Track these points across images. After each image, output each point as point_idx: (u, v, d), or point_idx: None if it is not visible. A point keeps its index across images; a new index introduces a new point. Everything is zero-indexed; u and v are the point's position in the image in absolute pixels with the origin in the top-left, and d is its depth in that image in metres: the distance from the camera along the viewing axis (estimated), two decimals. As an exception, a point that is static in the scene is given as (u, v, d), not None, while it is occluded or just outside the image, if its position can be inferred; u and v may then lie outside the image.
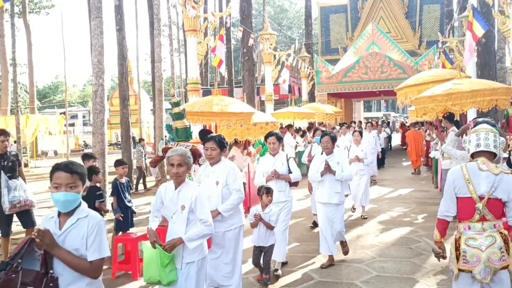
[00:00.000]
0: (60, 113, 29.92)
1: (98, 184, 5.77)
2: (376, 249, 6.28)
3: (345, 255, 5.91)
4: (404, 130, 22.77)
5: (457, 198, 3.29)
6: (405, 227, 7.50)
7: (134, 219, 6.34)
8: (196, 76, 10.86)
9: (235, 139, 8.35)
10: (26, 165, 19.02)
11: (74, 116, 44.31)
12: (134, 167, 14.06)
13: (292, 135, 13.79)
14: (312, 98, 24.10)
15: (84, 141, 34.23)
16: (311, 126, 15.92)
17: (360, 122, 23.56)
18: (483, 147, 3.28)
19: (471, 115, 9.37)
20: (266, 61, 17.49)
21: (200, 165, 5.99)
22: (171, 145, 6.01)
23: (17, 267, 2.34)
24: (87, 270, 2.46)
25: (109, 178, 7.56)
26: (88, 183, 5.87)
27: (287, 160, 5.60)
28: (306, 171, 6.41)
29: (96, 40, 8.14)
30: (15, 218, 6.19)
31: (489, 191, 3.15)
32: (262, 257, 4.95)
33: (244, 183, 6.36)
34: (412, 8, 28.48)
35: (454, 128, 6.85)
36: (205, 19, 12.07)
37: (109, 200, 6.46)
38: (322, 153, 5.88)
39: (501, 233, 3.18)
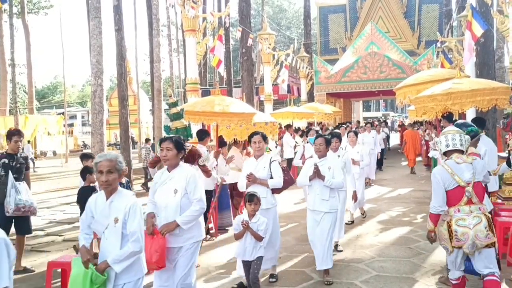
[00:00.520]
0: (58, 114, 29.90)
1: (92, 184, 5.57)
2: (376, 249, 6.28)
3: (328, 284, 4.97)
4: (403, 130, 22.76)
5: (446, 191, 3.85)
6: (404, 226, 7.51)
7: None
8: (195, 76, 10.85)
9: (234, 139, 8.35)
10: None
11: (73, 117, 44.31)
12: (142, 166, 14.20)
13: (291, 135, 13.79)
14: (311, 98, 24.09)
15: (83, 141, 34.25)
16: (310, 128, 15.90)
17: (358, 122, 23.47)
18: (452, 147, 3.92)
19: (470, 114, 9.38)
20: (265, 61, 17.51)
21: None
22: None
23: None
24: None
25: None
26: (82, 183, 5.84)
27: (270, 164, 5.11)
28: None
29: (95, 40, 8.14)
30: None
31: (472, 177, 3.79)
32: (249, 273, 4.44)
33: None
34: (411, 8, 28.49)
35: (453, 127, 6.85)
36: (204, 19, 12.07)
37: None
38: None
39: (485, 215, 3.75)
